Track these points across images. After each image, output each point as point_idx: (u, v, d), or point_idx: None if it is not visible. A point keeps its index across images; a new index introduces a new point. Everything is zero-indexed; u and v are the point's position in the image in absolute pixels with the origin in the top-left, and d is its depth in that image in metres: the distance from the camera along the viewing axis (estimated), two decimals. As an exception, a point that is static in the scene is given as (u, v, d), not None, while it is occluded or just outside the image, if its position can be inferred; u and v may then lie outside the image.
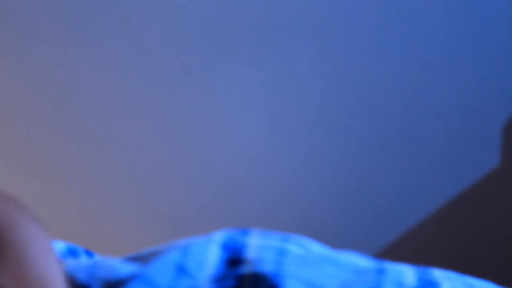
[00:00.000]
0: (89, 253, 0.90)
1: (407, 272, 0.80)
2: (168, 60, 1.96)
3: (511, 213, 2.07)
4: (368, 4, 2.01)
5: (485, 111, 2.04)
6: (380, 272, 0.79)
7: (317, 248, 0.83)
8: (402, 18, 2.02)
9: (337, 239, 1.92)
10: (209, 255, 0.76)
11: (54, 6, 1.97)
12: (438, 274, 0.82)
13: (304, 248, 0.81)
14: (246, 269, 0.75)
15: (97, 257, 0.90)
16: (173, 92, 1.97)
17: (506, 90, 2.04)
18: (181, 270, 0.73)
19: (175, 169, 1.99)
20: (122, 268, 0.74)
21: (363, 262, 0.81)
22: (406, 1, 2.01)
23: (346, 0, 2.01)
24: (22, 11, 1.96)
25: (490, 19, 2.02)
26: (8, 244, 0.62)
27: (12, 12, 1.96)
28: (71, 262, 0.77)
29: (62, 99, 1.99)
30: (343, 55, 2.03)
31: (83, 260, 0.85)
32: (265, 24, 2.00)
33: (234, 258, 0.77)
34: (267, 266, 0.75)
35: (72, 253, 0.88)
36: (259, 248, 0.78)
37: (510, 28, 2.02)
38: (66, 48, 1.95)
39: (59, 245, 0.87)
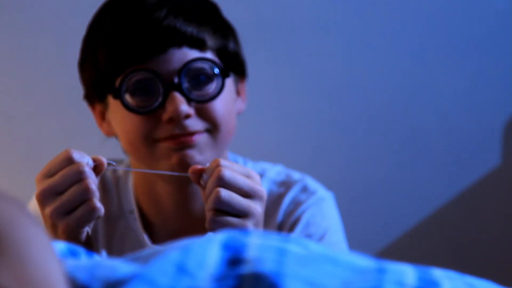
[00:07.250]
0: (89, 253, 0.90)
1: (408, 272, 0.80)
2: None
3: (511, 213, 2.07)
4: (369, 4, 2.01)
5: (486, 111, 2.04)
6: (381, 271, 0.79)
7: (317, 247, 0.83)
8: (402, 18, 2.02)
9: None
10: (210, 255, 0.76)
11: (54, 6, 1.97)
12: (438, 273, 0.82)
13: (304, 248, 0.81)
14: (246, 268, 0.75)
15: (97, 257, 0.90)
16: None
17: (506, 90, 2.04)
18: (181, 269, 0.73)
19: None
20: (122, 268, 0.74)
21: (363, 261, 0.81)
22: (407, 1, 2.01)
23: (346, 0, 2.01)
24: (22, 10, 1.96)
25: (490, 19, 2.02)
26: (8, 244, 0.62)
27: (12, 12, 1.96)
28: (71, 262, 0.77)
29: (62, 99, 1.99)
30: (343, 55, 2.03)
31: (84, 260, 0.85)
32: (265, 24, 2.00)
33: (234, 258, 0.76)
34: (267, 265, 0.75)
35: (72, 253, 0.88)
36: (259, 248, 0.78)
37: (510, 28, 2.02)
38: (66, 47, 1.95)
39: (60, 245, 0.87)
